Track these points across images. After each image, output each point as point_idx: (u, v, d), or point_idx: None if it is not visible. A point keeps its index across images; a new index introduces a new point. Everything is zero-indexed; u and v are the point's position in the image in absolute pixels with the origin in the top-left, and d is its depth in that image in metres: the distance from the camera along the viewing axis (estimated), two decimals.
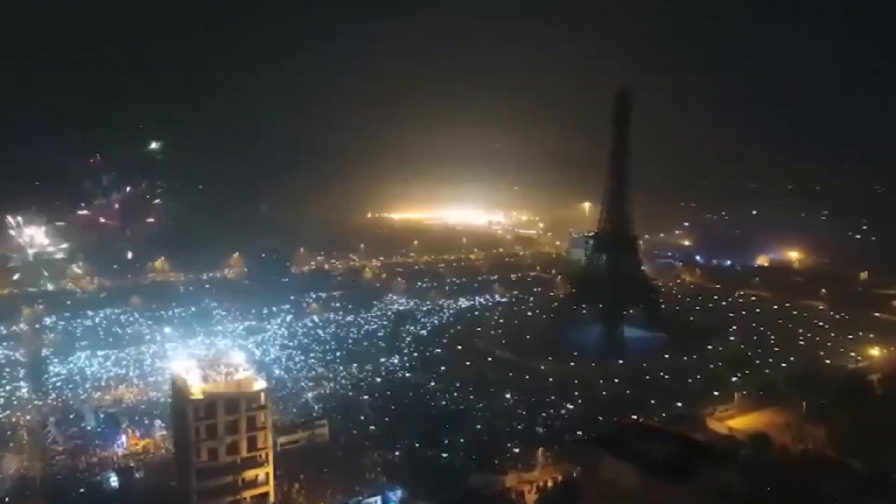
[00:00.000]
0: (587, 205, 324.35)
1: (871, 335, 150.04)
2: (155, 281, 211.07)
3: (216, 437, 71.67)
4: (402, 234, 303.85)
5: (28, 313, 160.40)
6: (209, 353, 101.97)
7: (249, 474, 73.86)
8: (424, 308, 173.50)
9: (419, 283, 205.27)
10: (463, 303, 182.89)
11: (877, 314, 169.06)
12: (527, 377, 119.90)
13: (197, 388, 71.68)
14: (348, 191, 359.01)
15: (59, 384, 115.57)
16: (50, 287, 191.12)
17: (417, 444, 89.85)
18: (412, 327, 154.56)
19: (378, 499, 74.33)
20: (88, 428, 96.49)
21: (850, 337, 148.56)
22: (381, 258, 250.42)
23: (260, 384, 75.22)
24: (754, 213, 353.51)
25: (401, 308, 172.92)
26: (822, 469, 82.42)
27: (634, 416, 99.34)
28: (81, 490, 78.73)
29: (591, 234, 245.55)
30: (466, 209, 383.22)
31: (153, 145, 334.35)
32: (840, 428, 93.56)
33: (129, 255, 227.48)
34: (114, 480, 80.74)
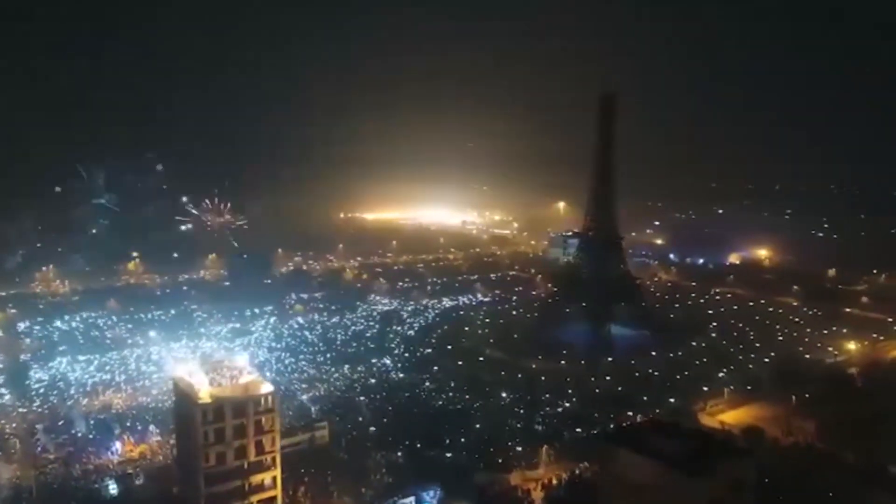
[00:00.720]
0: (562, 204, 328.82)
1: (844, 330, 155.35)
2: (129, 283, 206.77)
3: (224, 442, 70.56)
4: (377, 235, 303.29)
5: (0, 318, 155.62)
6: (205, 357, 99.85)
7: (257, 478, 72.96)
8: (409, 308, 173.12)
9: (400, 284, 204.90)
10: (446, 303, 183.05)
11: (847, 309, 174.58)
12: (519, 376, 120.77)
13: (205, 392, 70.49)
14: (320, 191, 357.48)
15: (42, 390, 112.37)
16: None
17: (419, 445, 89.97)
18: (399, 328, 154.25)
19: (412, 499, 73.74)
20: (79, 435, 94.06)
21: (825, 332, 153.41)
22: (359, 259, 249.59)
23: (267, 387, 74.33)
24: (720, 212, 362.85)
25: (385, 309, 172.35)
26: (815, 461, 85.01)
27: (630, 413, 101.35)
28: (80, 498, 76.79)
29: (570, 233, 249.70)
30: (439, 209, 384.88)
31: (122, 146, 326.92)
32: (828, 421, 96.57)
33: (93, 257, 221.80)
34: (113, 488, 79.03)
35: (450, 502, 73.68)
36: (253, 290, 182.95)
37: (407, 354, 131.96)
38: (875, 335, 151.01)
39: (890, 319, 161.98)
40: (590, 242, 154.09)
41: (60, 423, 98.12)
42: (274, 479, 74.18)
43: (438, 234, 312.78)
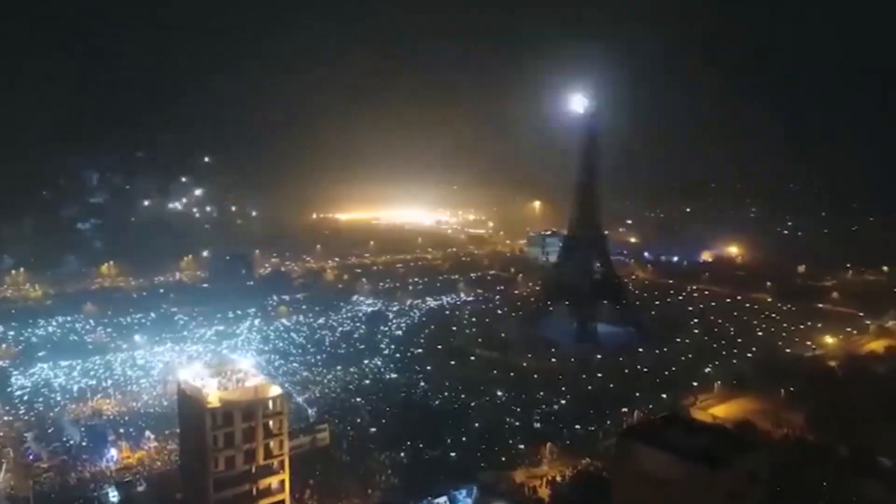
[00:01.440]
0: (537, 204, 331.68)
1: (819, 325, 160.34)
2: (103, 286, 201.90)
3: (233, 446, 69.76)
4: (352, 235, 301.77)
5: None
6: (209, 360, 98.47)
7: (265, 482, 72.34)
8: (394, 309, 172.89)
9: (381, 284, 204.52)
10: (431, 303, 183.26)
11: (819, 305, 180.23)
12: (511, 374, 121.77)
13: (214, 396, 69.59)
14: (292, 192, 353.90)
15: (25, 397, 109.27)
16: None
17: (421, 445, 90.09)
18: (386, 328, 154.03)
19: (445, 499, 73.72)
20: (71, 442, 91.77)
21: (802, 327, 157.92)
22: (337, 259, 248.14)
23: (275, 390, 73.82)
24: (688, 210, 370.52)
25: (370, 309, 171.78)
26: (807, 453, 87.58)
27: (624, 410, 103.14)
28: None
29: (549, 232, 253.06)
30: (412, 209, 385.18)
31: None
32: (815, 413, 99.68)
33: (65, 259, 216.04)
34: (114, 496, 77.31)
35: (486, 502, 73.18)
36: (235, 292, 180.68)
37: (398, 355, 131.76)
38: (849, 329, 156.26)
39: (861, 314, 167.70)
40: (575, 239, 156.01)
41: (50, 430, 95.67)
42: (282, 482, 73.58)
43: (414, 233, 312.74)
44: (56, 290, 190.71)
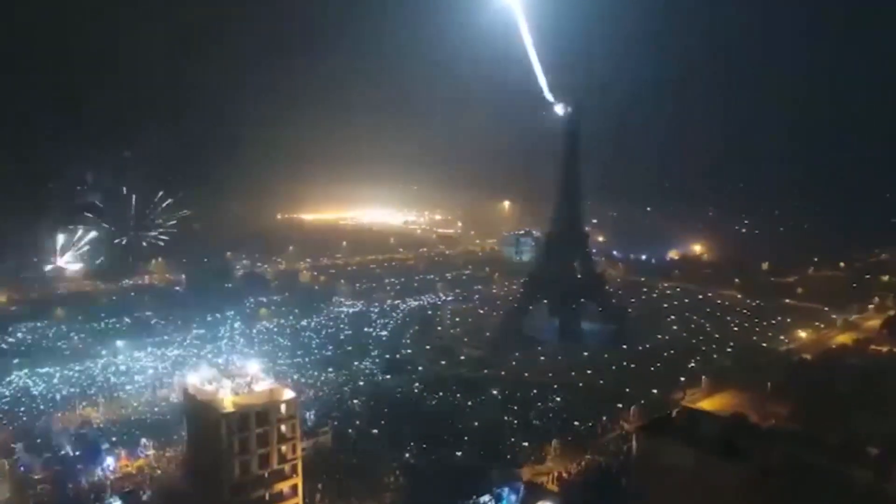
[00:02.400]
0: (507, 204, 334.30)
1: (789, 319, 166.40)
2: (70, 291, 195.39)
3: (249, 451, 68.94)
4: (321, 236, 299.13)
5: None
6: (217, 365, 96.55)
7: (278, 487, 71.60)
8: (375, 310, 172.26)
9: (358, 285, 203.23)
10: (411, 303, 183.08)
11: (787, 301, 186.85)
12: (502, 373, 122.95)
13: (229, 401, 68.51)
14: (254, 192, 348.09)
15: (6, 407, 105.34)
16: None
17: (425, 445, 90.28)
18: (370, 329, 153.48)
19: (487, 497, 73.99)
20: (62, 452, 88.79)
21: (773, 322, 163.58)
22: (309, 260, 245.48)
23: (288, 393, 73.02)
24: (648, 209, 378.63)
25: (352, 311, 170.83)
26: (799, 443, 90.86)
27: (619, 405, 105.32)
28: None
29: (522, 232, 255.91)
30: (377, 209, 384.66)
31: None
32: (800, 405, 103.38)
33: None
34: None
35: (533, 500, 73.19)
36: (209, 295, 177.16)
37: (388, 356, 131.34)
38: (817, 324, 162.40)
39: (826, 308, 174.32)
40: (555, 240, 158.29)
41: (38, 440, 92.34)
42: (294, 487, 72.93)
43: (383, 234, 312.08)
44: (20, 295, 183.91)
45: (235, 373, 74.97)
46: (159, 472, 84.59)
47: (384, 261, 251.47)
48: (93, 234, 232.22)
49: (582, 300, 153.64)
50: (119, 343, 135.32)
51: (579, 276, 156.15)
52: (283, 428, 71.38)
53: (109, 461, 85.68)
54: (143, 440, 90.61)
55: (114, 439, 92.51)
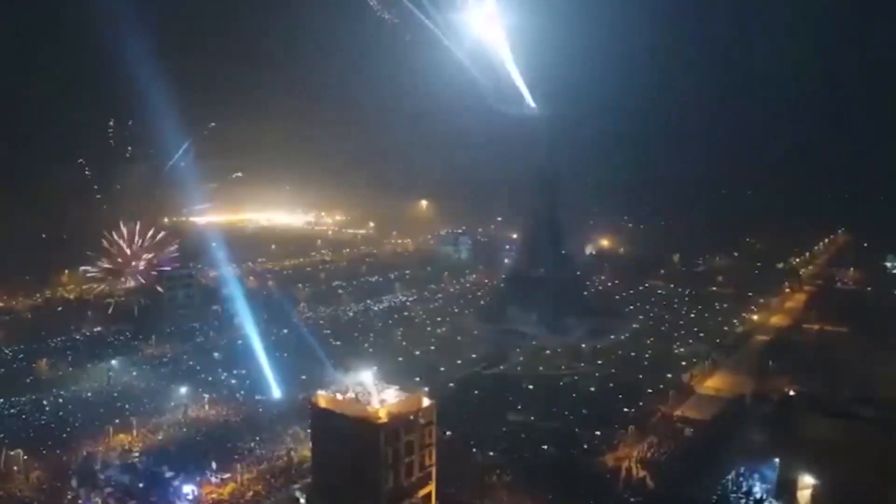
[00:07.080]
0: (424, 203, 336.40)
1: (725, 305, 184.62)
2: None
3: (400, 461, 67.56)
4: (233, 239, 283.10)
5: None
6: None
7: (418, 495, 70.73)
8: (350, 314, 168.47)
9: (306, 289, 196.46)
10: (373, 306, 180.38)
11: (713, 288, 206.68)
12: (518, 369, 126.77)
13: (384, 411, 66.48)
14: (127, 194, 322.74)
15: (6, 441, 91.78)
16: None
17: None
18: (356, 334, 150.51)
19: (739, 471, 75.77)
20: (126, 483, 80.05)
21: (716, 308, 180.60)
22: (239, 265, 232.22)
23: (426, 400, 72.04)
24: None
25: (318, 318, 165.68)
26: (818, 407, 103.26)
27: (650, 391, 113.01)
28: None
29: (461, 231, 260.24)
30: (270, 210, 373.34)
31: None
32: (798, 375, 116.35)
33: None
34: None
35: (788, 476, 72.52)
36: (155, 307, 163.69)
37: (400, 359, 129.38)
38: (752, 307, 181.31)
39: (750, 294, 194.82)
40: (531, 236, 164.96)
41: (83, 476, 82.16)
42: (428, 495, 72.45)
43: (292, 235, 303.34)
44: None
45: (359, 382, 72.41)
46: (251, 493, 79.03)
47: (318, 263, 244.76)
48: None
49: (563, 294, 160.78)
50: (112, 363, 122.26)
51: (557, 271, 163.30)
52: (423, 435, 70.62)
53: (189, 489, 78.52)
54: (213, 462, 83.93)
55: (164, 466, 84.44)
